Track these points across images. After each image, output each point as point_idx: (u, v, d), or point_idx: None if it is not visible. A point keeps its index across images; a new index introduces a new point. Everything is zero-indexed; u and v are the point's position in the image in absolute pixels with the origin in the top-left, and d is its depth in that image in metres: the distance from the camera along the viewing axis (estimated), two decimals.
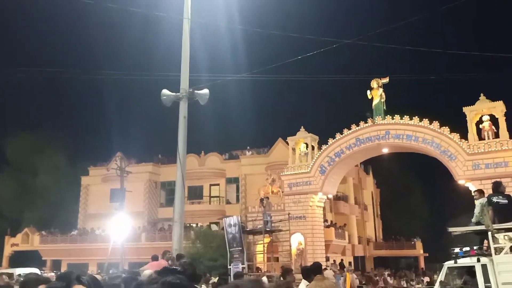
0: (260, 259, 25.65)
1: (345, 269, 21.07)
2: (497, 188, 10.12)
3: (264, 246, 23.15)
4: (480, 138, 19.99)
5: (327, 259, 25.20)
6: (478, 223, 10.04)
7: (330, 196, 24.99)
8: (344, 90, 66.95)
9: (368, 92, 22.73)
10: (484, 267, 9.56)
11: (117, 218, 26.98)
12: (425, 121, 21.00)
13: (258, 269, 23.69)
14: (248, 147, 34.06)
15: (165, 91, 12.24)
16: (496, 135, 19.61)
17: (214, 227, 29.29)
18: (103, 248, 28.61)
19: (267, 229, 22.79)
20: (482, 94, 20.31)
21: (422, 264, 35.89)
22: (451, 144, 20.21)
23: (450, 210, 40.27)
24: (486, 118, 19.98)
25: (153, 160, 36.34)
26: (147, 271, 9.70)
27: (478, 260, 9.73)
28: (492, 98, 20.01)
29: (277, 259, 24.46)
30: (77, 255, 32.61)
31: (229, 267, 22.17)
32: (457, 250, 11.35)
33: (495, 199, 9.70)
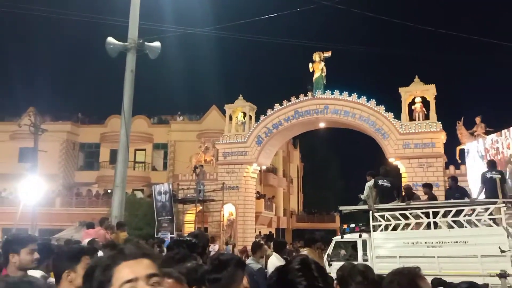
0: (189, 229, 24.98)
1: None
2: (385, 172, 11.39)
3: (197, 216, 22.48)
4: (411, 119, 20.93)
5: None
6: (365, 202, 11.13)
7: (264, 167, 24.87)
8: (285, 61, 66.20)
9: (310, 65, 22.62)
10: (364, 242, 10.80)
11: (28, 180, 24.52)
12: (363, 99, 21.46)
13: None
14: (179, 112, 32.55)
15: (111, 39, 10.86)
16: (426, 117, 20.66)
17: (139, 194, 27.82)
18: (10, 212, 25.90)
19: (200, 199, 22.12)
20: (416, 76, 21.18)
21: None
22: (385, 122, 20.92)
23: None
24: (418, 100, 20.94)
25: (72, 118, 33.31)
26: (86, 240, 8.61)
27: (360, 236, 11.06)
28: (426, 81, 20.95)
29: (206, 230, 23.97)
30: None
31: (156, 236, 21.23)
32: (345, 226, 12.84)
33: (380, 182, 10.79)
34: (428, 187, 11.68)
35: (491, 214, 8.83)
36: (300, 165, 39.03)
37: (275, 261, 6.73)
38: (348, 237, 11.74)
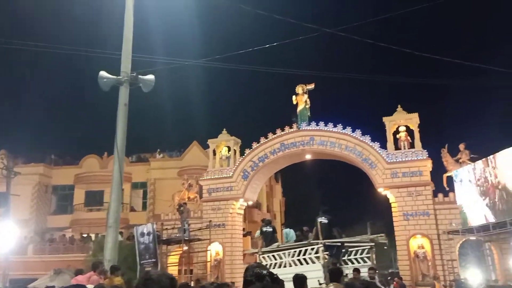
0: (173, 271, 23.77)
1: None
2: (266, 221, 14.66)
3: (181, 257, 21.42)
4: (397, 147, 21.04)
5: None
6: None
7: (251, 202, 24.25)
8: (269, 94, 66.31)
9: (294, 97, 22.64)
10: None
11: (0, 227, 23.02)
12: (348, 129, 21.50)
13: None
14: (158, 150, 31.72)
15: (104, 73, 10.50)
16: (411, 146, 20.80)
17: (118, 238, 26.47)
18: None
19: (186, 238, 21.15)
20: (399, 106, 21.46)
21: None
22: (372, 152, 20.91)
23: (350, 219, 42.51)
24: (402, 128, 21.12)
25: (45, 160, 31.91)
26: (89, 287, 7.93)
27: None
28: (409, 109, 21.26)
29: (191, 272, 22.86)
30: None
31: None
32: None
33: (264, 229, 13.95)
34: (300, 230, 14.73)
35: (316, 252, 10.75)
36: (282, 199, 38.55)
37: None
38: None
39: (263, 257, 12.22)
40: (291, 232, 15.50)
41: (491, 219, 15.94)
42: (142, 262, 20.82)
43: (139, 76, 10.76)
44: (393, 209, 20.29)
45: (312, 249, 10.64)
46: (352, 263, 11.64)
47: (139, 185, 30.80)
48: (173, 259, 24.05)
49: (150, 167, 30.29)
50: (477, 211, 16.72)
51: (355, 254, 11.58)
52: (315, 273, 9.88)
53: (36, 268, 24.29)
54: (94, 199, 30.83)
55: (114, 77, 10.49)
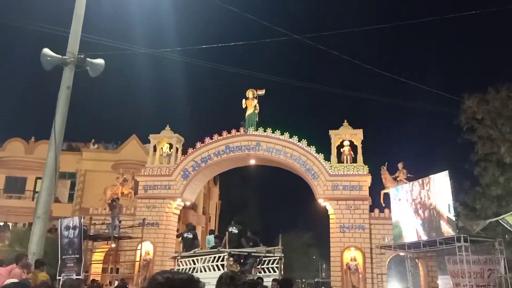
0: (96, 269, 22.34)
1: None
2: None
3: (109, 255, 20.14)
4: (339, 161, 21.38)
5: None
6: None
7: (188, 203, 23.46)
8: (217, 95, 64.72)
9: (243, 101, 22.30)
10: None
11: None
12: (295, 138, 21.52)
13: (94, 281, 20.43)
14: (93, 140, 29.78)
15: (48, 51, 9.47)
16: (353, 160, 21.24)
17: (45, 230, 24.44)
18: None
19: (115, 235, 19.91)
20: (345, 121, 21.89)
21: None
22: (315, 163, 21.08)
23: (285, 226, 42.95)
24: (346, 143, 21.55)
25: None
26: (9, 281, 7.00)
27: None
28: (354, 125, 21.72)
29: (117, 271, 21.61)
30: None
31: (58, 278, 18.43)
32: None
33: (185, 235, 13.83)
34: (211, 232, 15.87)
35: (222, 260, 11.09)
36: (218, 202, 37.92)
37: None
38: None
39: (181, 261, 12.61)
40: (212, 239, 15.36)
41: (423, 236, 16.57)
42: (64, 257, 19.26)
43: (87, 59, 9.80)
44: (331, 221, 20.56)
45: (219, 257, 11.08)
46: (264, 272, 12.17)
47: (67, 175, 28.67)
48: (98, 256, 22.65)
49: (81, 157, 28.34)
50: (411, 228, 17.34)
51: (267, 264, 12.14)
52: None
53: None
54: (15, 186, 28.27)
55: (59, 56, 9.45)
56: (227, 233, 12.21)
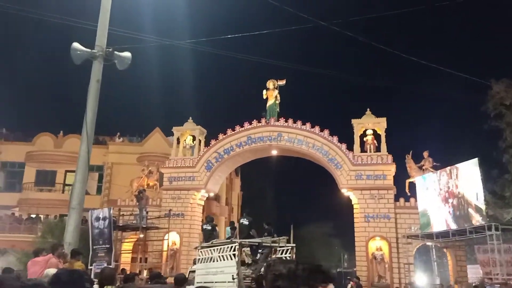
0: (126, 259, 22.91)
1: None
2: (208, 219, 14.72)
3: (138, 245, 20.64)
4: (362, 150, 21.24)
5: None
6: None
7: (212, 194, 23.75)
8: (239, 86, 64.59)
9: (264, 92, 22.33)
10: (195, 272, 13.14)
11: None
12: (317, 128, 21.46)
13: (123, 270, 21.01)
14: (118, 133, 30.37)
15: (77, 45, 9.69)
16: (377, 149, 21.07)
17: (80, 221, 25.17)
18: None
19: (143, 226, 20.39)
20: (368, 109, 21.67)
21: None
22: (338, 153, 20.99)
23: (303, 215, 43.01)
24: (369, 132, 21.34)
25: None
26: (50, 270, 7.29)
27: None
28: (378, 113, 21.50)
29: (146, 260, 22.12)
30: None
31: (90, 267, 19.01)
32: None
33: (204, 227, 14.42)
34: (231, 224, 15.85)
35: (234, 250, 11.28)
36: (240, 193, 38.23)
37: None
38: (194, 266, 13.80)
39: (201, 251, 13.10)
40: (229, 230, 15.97)
41: (452, 225, 16.39)
42: (95, 247, 19.87)
43: (115, 52, 10.01)
44: (354, 211, 20.49)
45: (231, 247, 11.45)
46: None
47: (95, 168, 29.33)
48: (126, 246, 23.20)
49: (108, 151, 28.99)
50: (439, 217, 17.17)
51: (281, 254, 12.42)
52: (230, 268, 10.97)
53: None
54: (45, 179, 29.14)
55: (89, 50, 9.69)
56: (238, 224, 12.87)
